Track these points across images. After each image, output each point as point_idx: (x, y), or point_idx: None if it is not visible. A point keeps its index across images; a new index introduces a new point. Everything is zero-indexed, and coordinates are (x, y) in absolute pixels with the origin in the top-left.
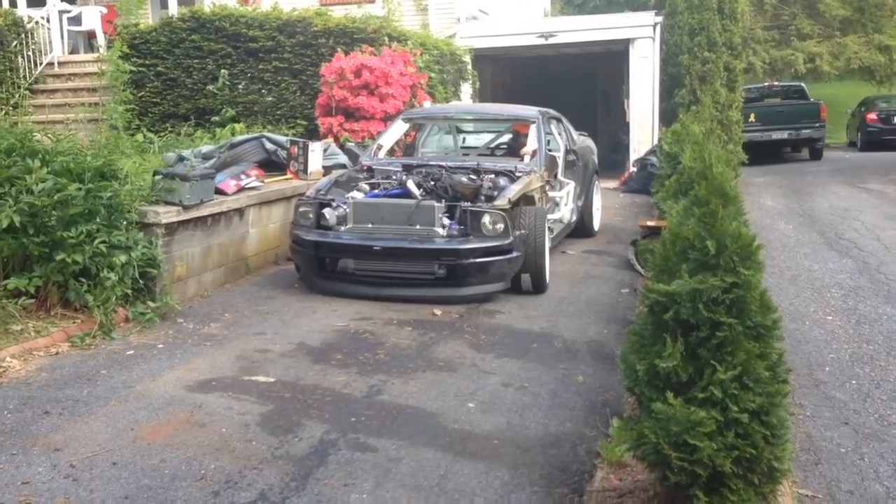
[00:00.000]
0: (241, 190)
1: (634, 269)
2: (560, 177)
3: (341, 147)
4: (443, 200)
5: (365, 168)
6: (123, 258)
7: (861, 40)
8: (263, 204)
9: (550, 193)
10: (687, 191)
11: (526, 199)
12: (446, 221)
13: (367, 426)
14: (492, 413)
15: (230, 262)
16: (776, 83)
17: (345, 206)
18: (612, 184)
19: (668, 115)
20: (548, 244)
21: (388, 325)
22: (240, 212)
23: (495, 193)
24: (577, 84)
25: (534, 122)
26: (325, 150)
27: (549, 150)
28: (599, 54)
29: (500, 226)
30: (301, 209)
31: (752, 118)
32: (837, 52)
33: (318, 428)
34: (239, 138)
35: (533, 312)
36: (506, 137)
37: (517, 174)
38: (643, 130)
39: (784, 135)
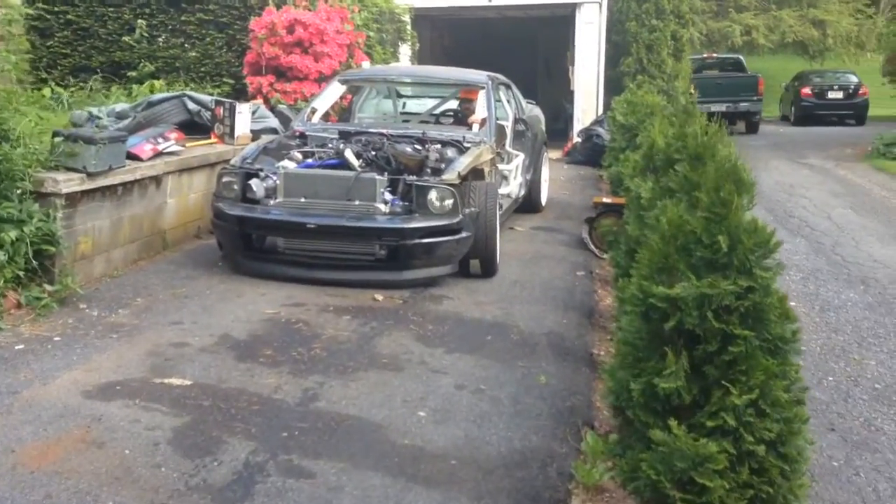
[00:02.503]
0: (158, 155)
1: (588, 248)
2: (509, 148)
3: (272, 109)
4: (385, 173)
5: (297, 134)
6: (14, 234)
7: (796, 14)
8: (184, 171)
9: (500, 166)
10: (660, 169)
11: (475, 173)
12: (388, 197)
13: (302, 443)
14: (446, 424)
15: (145, 236)
16: (714, 55)
17: (274, 177)
18: (555, 154)
19: (612, 85)
20: (498, 223)
21: (324, 312)
22: (156, 179)
23: (442, 166)
24: (518, 49)
25: (483, 88)
26: (253, 113)
27: (498, 120)
28: (542, 18)
29: (449, 203)
30: (224, 179)
31: (691, 90)
32: (773, 25)
33: (243, 447)
34: (158, 96)
35: (484, 298)
36: (452, 104)
37: (465, 145)
38: (588, 99)
39: (722, 107)
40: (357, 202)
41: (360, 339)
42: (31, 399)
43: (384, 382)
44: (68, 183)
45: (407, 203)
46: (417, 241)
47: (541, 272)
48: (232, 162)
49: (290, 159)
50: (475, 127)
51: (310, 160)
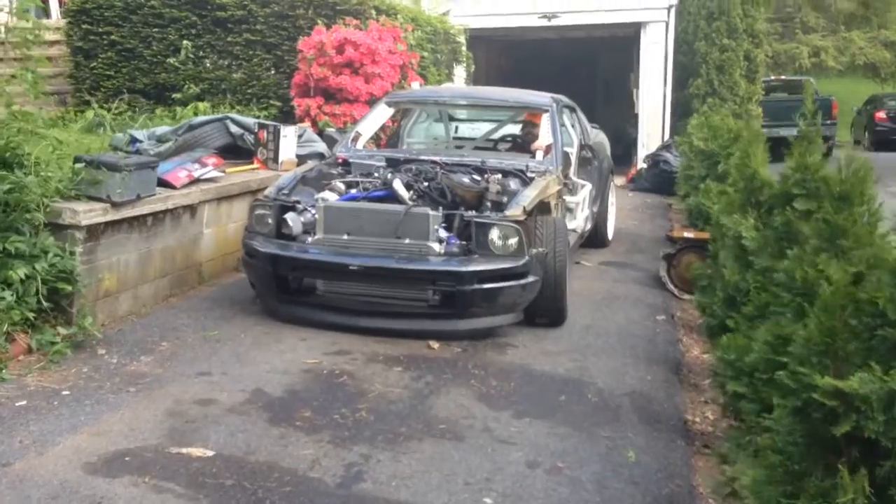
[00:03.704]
0: (193, 182)
1: (667, 288)
2: (574, 177)
3: (320, 133)
4: (439, 207)
5: (340, 161)
6: (24, 271)
7: (866, 35)
8: (222, 199)
9: (566, 198)
10: (765, 204)
11: (541, 208)
12: (443, 234)
13: None
14: None
15: (178, 270)
16: (783, 77)
17: (313, 211)
18: (619, 181)
19: (679, 108)
20: (569, 264)
21: (371, 362)
22: (191, 209)
23: (504, 199)
24: (577, 71)
25: (547, 111)
26: (299, 137)
27: (563, 146)
28: (602, 39)
29: (513, 242)
30: (257, 212)
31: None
32: (843, 46)
33: None
34: (199, 119)
35: (553, 347)
36: (511, 128)
37: (529, 174)
38: (653, 123)
39: (793, 131)
40: (407, 240)
41: (412, 398)
42: (24, 473)
43: (442, 456)
44: (89, 214)
45: (464, 242)
46: (477, 286)
47: (615, 316)
48: (266, 193)
49: (332, 190)
50: (539, 154)
51: (354, 191)
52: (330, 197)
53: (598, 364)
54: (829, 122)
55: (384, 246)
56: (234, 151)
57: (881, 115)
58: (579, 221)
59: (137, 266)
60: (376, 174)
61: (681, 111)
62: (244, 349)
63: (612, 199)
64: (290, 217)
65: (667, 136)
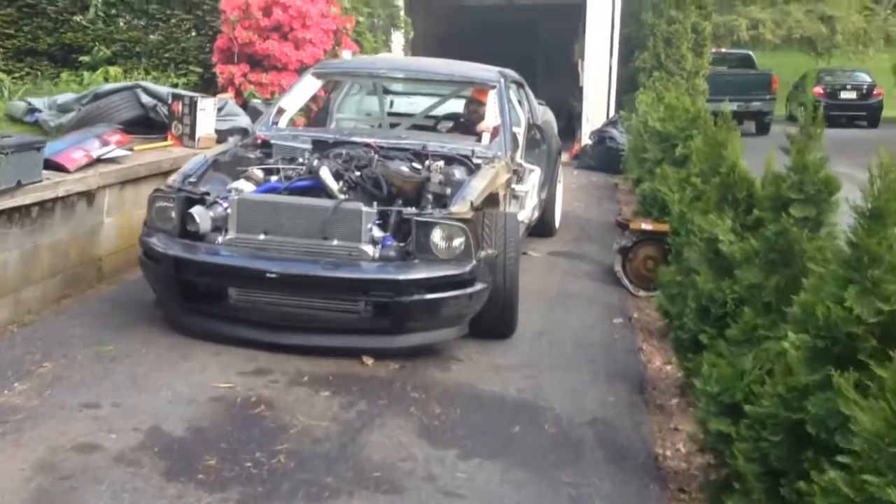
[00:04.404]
0: (92, 163)
1: (622, 284)
2: (521, 160)
3: (244, 105)
4: (374, 203)
5: (259, 142)
6: None
7: (804, 9)
8: (127, 182)
9: (514, 187)
10: (743, 203)
11: (489, 200)
12: (378, 233)
13: None
14: None
15: (72, 267)
16: (723, 50)
17: (225, 204)
18: (562, 157)
19: (625, 83)
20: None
21: (294, 385)
22: (88, 195)
23: (448, 191)
24: (518, 41)
25: (494, 88)
26: (219, 109)
27: (511, 127)
28: (546, 6)
29: (459, 243)
30: (158, 205)
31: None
32: (780, 20)
33: None
34: (106, 87)
35: (502, 360)
36: (453, 105)
37: (475, 160)
38: (598, 97)
39: (733, 106)
40: (336, 242)
41: (342, 434)
42: None
43: None
44: None
45: (402, 244)
46: (417, 296)
47: (569, 319)
48: (169, 181)
49: (248, 179)
50: (485, 137)
51: (274, 181)
52: (245, 187)
53: (553, 382)
54: (768, 97)
55: (308, 248)
56: (148, 125)
57: (818, 90)
58: (528, 212)
59: (19, 266)
60: (301, 160)
61: (626, 86)
62: (144, 369)
63: (559, 185)
64: (196, 212)
65: (612, 112)
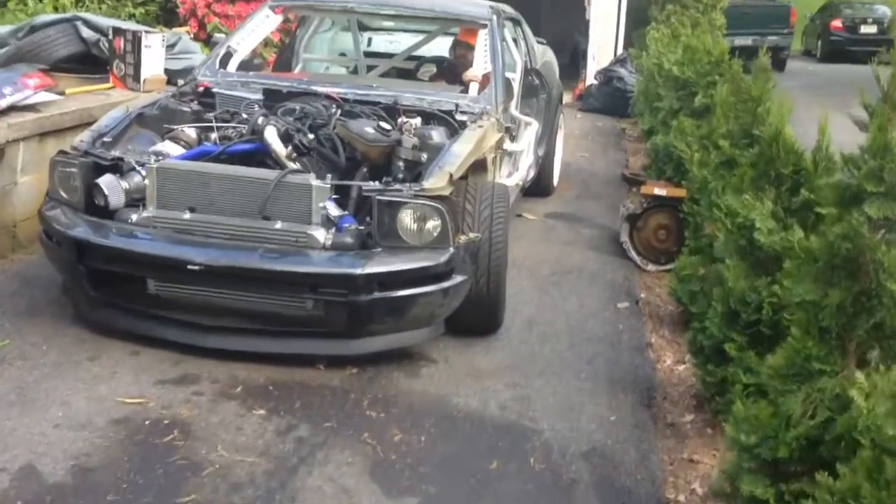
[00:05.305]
0: (2, 112)
1: (629, 255)
2: (516, 112)
3: (207, 40)
4: (329, 175)
5: (199, 90)
6: None
7: None
8: (48, 134)
9: (507, 146)
10: (789, 187)
11: (475, 166)
12: (334, 211)
13: None
14: None
15: None
16: None
17: (143, 173)
18: (565, 97)
19: (634, 16)
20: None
21: (223, 399)
22: None
23: (423, 158)
24: None
25: (485, 26)
26: (171, 46)
27: (505, 73)
28: None
29: (434, 226)
30: (60, 171)
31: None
32: None
33: None
34: (43, 18)
35: (484, 361)
36: (437, 46)
37: (458, 115)
38: (605, 32)
39: (748, 41)
40: (279, 224)
41: (270, 477)
42: None
43: None
44: None
45: (362, 226)
46: (378, 294)
47: (566, 303)
48: (76, 141)
49: (175, 140)
50: (473, 87)
51: (207, 143)
52: (171, 151)
53: (543, 392)
54: (785, 31)
55: (244, 232)
56: (93, 63)
57: (837, 23)
58: (522, 173)
59: None
60: (245, 115)
61: (635, 19)
62: (37, 375)
63: (560, 137)
64: (104, 183)
65: (620, 49)
